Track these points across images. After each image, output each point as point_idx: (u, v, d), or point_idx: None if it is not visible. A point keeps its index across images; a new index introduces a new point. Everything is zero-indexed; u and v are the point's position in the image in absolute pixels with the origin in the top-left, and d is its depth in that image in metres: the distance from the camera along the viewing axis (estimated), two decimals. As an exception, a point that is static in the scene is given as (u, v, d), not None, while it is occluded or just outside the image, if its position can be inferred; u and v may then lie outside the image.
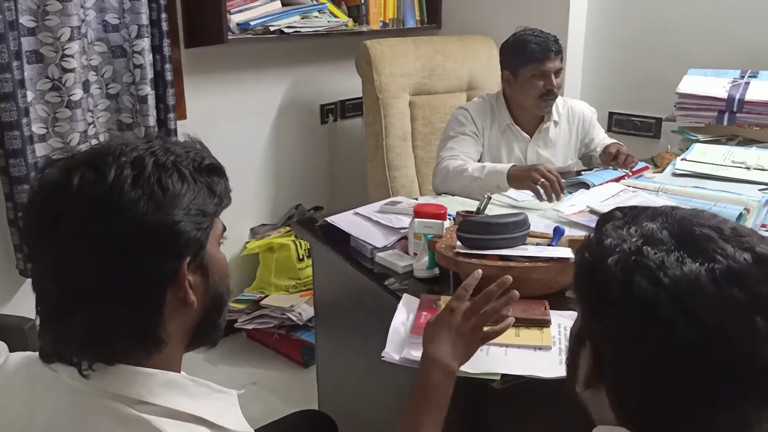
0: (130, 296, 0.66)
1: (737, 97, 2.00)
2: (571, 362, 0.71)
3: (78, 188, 0.65)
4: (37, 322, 0.70)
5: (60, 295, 0.67)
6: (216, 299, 0.74)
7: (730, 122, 2.01)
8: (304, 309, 2.32)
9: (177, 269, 0.68)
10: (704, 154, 1.86)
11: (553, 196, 1.62)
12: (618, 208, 0.68)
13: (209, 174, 0.72)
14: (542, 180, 1.62)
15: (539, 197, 1.63)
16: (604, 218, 0.67)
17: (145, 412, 0.66)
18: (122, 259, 0.65)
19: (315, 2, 2.47)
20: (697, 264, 0.58)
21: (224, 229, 0.76)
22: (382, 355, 1.07)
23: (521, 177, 1.68)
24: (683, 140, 2.10)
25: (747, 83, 2.04)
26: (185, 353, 0.76)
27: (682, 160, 1.85)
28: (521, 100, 1.92)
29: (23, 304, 1.92)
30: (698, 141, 2.02)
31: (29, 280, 1.97)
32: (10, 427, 0.70)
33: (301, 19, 2.39)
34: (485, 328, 0.97)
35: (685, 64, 2.22)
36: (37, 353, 0.72)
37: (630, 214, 0.66)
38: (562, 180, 1.67)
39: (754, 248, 0.59)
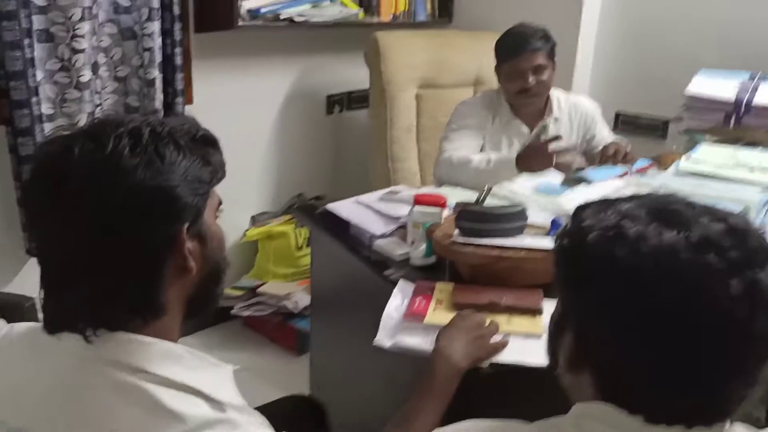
0: (131, 262, 0.68)
1: (745, 99, 1.99)
2: (552, 348, 0.72)
3: (78, 158, 0.67)
4: (41, 294, 0.71)
5: (62, 262, 0.69)
6: (214, 268, 0.77)
7: (737, 124, 2.00)
8: (300, 297, 2.33)
9: (176, 234, 0.70)
10: (708, 155, 1.85)
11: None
12: (592, 200, 0.71)
13: (204, 144, 0.74)
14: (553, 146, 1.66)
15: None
16: (581, 207, 0.70)
17: (143, 380, 0.67)
18: (123, 225, 0.66)
19: (326, -9, 2.47)
20: (674, 233, 0.60)
21: (220, 202, 0.78)
22: (374, 341, 1.08)
23: (532, 155, 1.69)
24: (690, 141, 2.09)
25: (756, 86, 2.03)
26: (182, 335, 0.77)
27: (686, 160, 1.84)
28: (506, 96, 1.94)
29: (26, 283, 1.94)
30: (704, 142, 2.00)
31: (34, 259, 2.01)
32: (7, 398, 0.72)
33: (312, 8, 2.40)
34: None
35: (696, 65, 2.21)
36: (40, 324, 0.73)
37: (605, 201, 0.69)
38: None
39: (726, 219, 0.62)
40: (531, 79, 1.85)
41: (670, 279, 0.59)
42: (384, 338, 1.09)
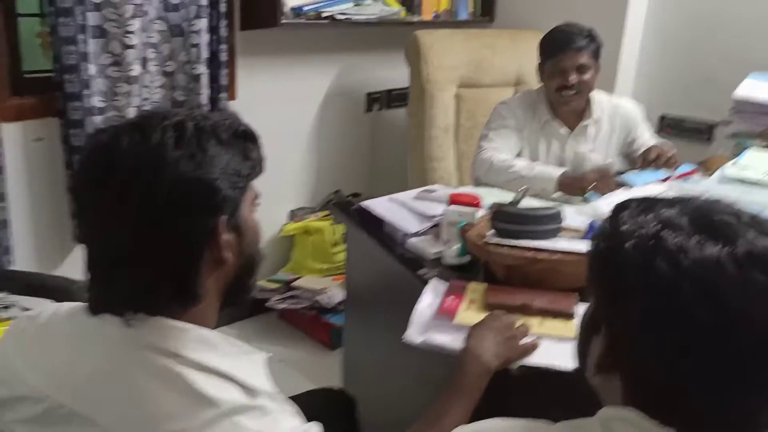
0: (173, 250, 0.71)
1: (798, 104, 1.92)
2: (582, 350, 0.71)
3: (125, 149, 0.70)
4: (87, 276, 0.75)
5: (107, 249, 0.73)
6: (249, 260, 0.79)
7: (788, 130, 1.93)
8: (334, 292, 2.36)
9: (214, 226, 0.72)
10: (756, 161, 1.80)
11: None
12: (633, 198, 0.68)
13: (244, 139, 0.77)
14: (596, 182, 1.65)
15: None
16: (619, 207, 0.67)
17: (179, 364, 0.70)
18: (165, 214, 0.69)
19: (369, -10, 2.49)
20: (718, 247, 0.57)
21: (257, 195, 0.80)
22: (403, 337, 1.09)
23: (574, 183, 1.70)
24: (736, 146, 2.02)
25: (810, 91, 1.96)
26: (219, 326, 0.80)
27: (732, 165, 1.79)
28: (547, 94, 1.93)
29: (73, 268, 2.02)
30: (753, 147, 1.94)
31: (80, 246, 2.08)
32: (53, 373, 0.75)
33: (354, 6, 2.42)
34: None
35: (745, 68, 2.14)
36: (84, 304, 0.77)
37: (646, 203, 0.65)
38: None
39: None
40: (573, 77, 1.84)
41: (711, 297, 0.56)
42: (414, 334, 1.09)
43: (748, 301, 0.55)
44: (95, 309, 0.75)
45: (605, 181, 1.66)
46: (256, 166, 0.77)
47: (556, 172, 1.74)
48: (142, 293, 0.72)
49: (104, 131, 0.74)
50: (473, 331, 1.03)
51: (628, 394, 0.64)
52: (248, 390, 0.72)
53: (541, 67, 1.92)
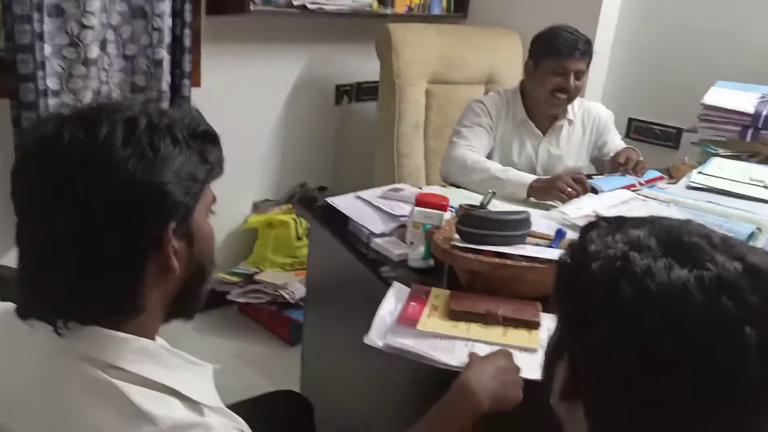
0: (112, 257, 0.65)
1: (764, 113, 1.94)
2: (547, 374, 0.68)
3: (68, 144, 0.64)
4: (16, 276, 0.69)
5: (42, 249, 0.67)
6: (199, 269, 0.73)
7: (753, 138, 1.95)
8: (297, 288, 2.32)
9: (162, 233, 0.66)
10: (722, 169, 1.81)
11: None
12: (603, 218, 0.65)
13: (203, 141, 0.70)
14: (569, 190, 1.63)
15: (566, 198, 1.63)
16: (588, 226, 0.65)
17: (115, 377, 0.65)
18: (107, 218, 0.64)
19: (341, -20, 2.43)
20: (686, 271, 0.55)
21: (214, 199, 0.75)
22: (365, 339, 1.05)
23: (545, 188, 1.68)
24: (702, 153, 2.05)
25: (775, 101, 1.98)
26: (164, 323, 0.74)
27: (698, 173, 1.80)
28: (535, 93, 1.89)
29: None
30: (718, 155, 1.96)
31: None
32: None
33: (326, -4, 2.36)
34: None
35: (713, 76, 2.16)
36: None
37: (615, 222, 0.63)
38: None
39: (745, 258, 0.56)
40: (572, 81, 1.83)
41: (675, 326, 0.53)
42: (376, 338, 1.06)
43: (713, 329, 0.53)
44: (23, 313, 0.69)
45: (580, 187, 1.65)
46: (214, 169, 0.71)
47: (529, 178, 1.72)
48: (75, 300, 0.66)
49: (47, 121, 0.67)
50: (477, 360, 0.95)
51: (590, 422, 0.62)
52: (193, 404, 0.68)
53: (535, 64, 1.87)
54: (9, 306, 0.75)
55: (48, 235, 0.66)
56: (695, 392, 0.54)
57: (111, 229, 0.64)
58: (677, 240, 0.58)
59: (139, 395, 0.64)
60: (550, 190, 1.66)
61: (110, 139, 0.64)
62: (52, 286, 0.66)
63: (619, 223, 0.63)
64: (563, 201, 1.63)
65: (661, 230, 0.60)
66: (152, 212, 0.65)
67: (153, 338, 0.72)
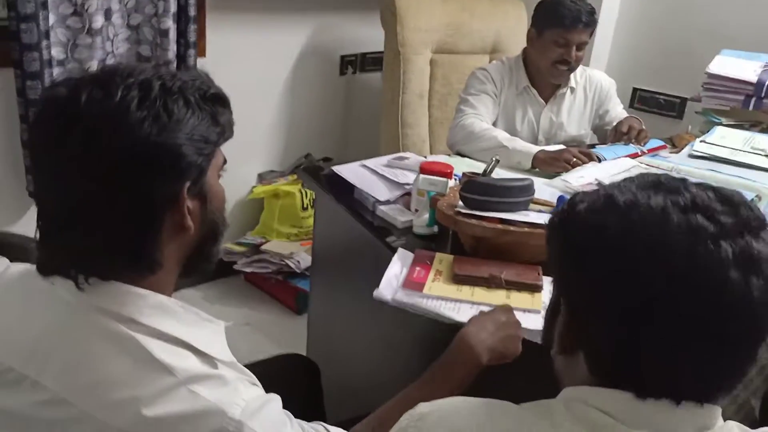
0: (130, 214, 0.68)
1: (767, 82, 1.94)
2: (548, 331, 0.71)
3: (85, 104, 0.66)
4: (37, 235, 0.72)
5: (61, 207, 0.69)
6: (212, 228, 0.76)
7: (756, 107, 1.96)
8: (302, 257, 2.34)
9: (177, 192, 0.69)
10: (724, 138, 1.82)
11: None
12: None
13: (214, 103, 0.72)
14: (575, 160, 1.64)
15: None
16: (575, 194, 0.69)
17: (134, 331, 0.68)
18: (124, 177, 0.66)
19: (345, -52, 2.41)
20: (662, 197, 0.60)
21: (225, 161, 0.77)
22: (374, 293, 1.07)
23: (551, 159, 1.69)
24: (706, 122, 2.05)
25: (780, 69, 1.98)
26: (178, 288, 0.77)
27: (701, 141, 1.81)
28: (538, 62, 1.89)
29: (30, 224, 1.95)
30: (721, 124, 1.97)
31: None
32: (2, 337, 0.72)
33: (330, -36, 2.34)
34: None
35: (718, 45, 2.15)
36: (35, 267, 0.74)
37: (600, 185, 0.69)
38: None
39: (719, 190, 0.61)
40: (573, 53, 1.82)
41: (660, 244, 0.57)
42: (385, 292, 1.08)
43: (693, 245, 0.56)
44: (45, 270, 0.72)
45: (585, 158, 1.66)
46: (225, 132, 0.74)
47: (535, 149, 1.74)
48: (96, 256, 0.69)
49: (63, 84, 0.69)
50: (476, 318, 0.98)
51: (589, 365, 0.65)
52: (206, 358, 0.71)
53: (538, 33, 1.86)
54: (27, 266, 0.78)
55: (67, 192, 0.68)
56: (682, 310, 0.57)
57: (128, 186, 0.66)
58: (654, 181, 0.63)
59: (157, 347, 0.68)
60: (556, 161, 1.67)
61: (126, 101, 0.66)
62: (73, 242, 0.68)
63: (604, 185, 0.68)
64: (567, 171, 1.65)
65: (640, 177, 0.65)
66: (167, 171, 0.68)
67: (169, 295, 0.74)
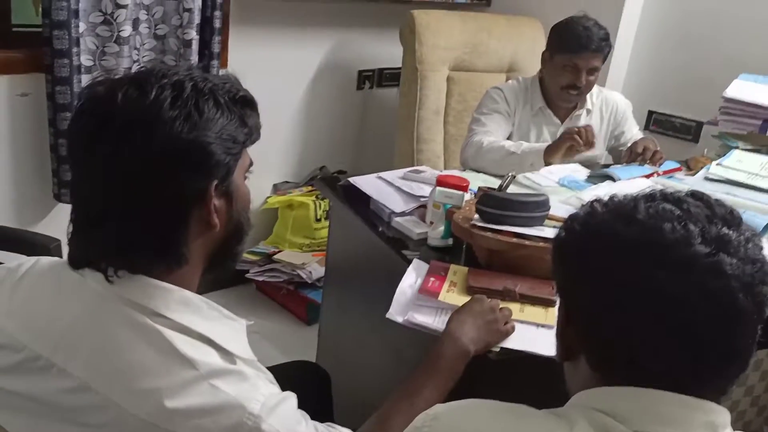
0: (160, 209, 0.70)
1: (785, 108, 1.95)
2: (557, 339, 0.73)
3: (121, 102, 0.69)
4: (69, 229, 0.74)
5: (94, 202, 0.72)
6: (237, 228, 0.79)
7: (773, 133, 1.96)
8: (314, 268, 2.36)
9: (205, 189, 0.72)
10: (741, 162, 1.82)
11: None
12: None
13: (243, 105, 0.75)
14: (576, 133, 1.70)
15: (577, 144, 1.70)
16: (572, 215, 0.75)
17: (159, 324, 0.70)
18: (155, 173, 0.69)
19: (367, -34, 2.46)
20: (635, 195, 0.67)
21: (251, 163, 0.80)
22: (388, 314, 1.09)
23: (558, 144, 1.73)
24: (722, 146, 2.05)
25: (797, 95, 1.98)
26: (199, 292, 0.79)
27: (717, 165, 1.82)
28: (548, 83, 1.92)
29: (53, 226, 2.00)
30: (738, 148, 1.97)
31: (61, 205, 2.02)
32: (31, 324, 0.75)
33: (352, -19, 2.39)
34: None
35: (736, 69, 2.16)
36: (65, 260, 0.76)
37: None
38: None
39: (694, 193, 0.67)
40: (584, 78, 1.84)
41: (626, 223, 0.63)
42: (396, 313, 1.10)
43: (660, 221, 0.61)
44: (76, 263, 0.74)
45: (584, 131, 1.70)
46: (252, 134, 0.76)
47: (542, 145, 1.76)
48: (126, 249, 0.71)
49: (101, 83, 0.73)
50: (455, 314, 1.03)
51: (595, 369, 0.67)
52: (227, 355, 0.73)
53: (550, 57, 1.89)
54: (57, 260, 0.81)
55: (100, 186, 0.71)
56: (654, 283, 0.60)
57: (159, 182, 0.69)
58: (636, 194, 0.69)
59: (181, 341, 0.70)
60: (562, 143, 1.71)
61: (160, 100, 0.69)
62: (104, 236, 0.71)
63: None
64: (580, 151, 1.71)
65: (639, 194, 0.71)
66: (196, 169, 0.70)
67: (194, 291, 0.76)
